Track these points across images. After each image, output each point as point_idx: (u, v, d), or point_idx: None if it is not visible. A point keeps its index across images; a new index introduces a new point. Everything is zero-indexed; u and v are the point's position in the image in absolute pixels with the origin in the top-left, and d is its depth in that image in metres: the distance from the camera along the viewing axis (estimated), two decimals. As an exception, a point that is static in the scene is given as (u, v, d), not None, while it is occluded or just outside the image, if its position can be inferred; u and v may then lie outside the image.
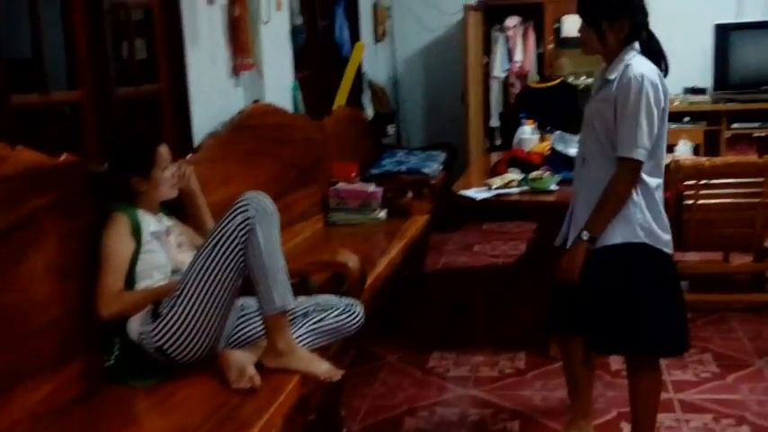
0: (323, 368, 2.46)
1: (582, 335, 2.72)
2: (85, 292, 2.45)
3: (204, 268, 2.41)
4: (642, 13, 2.51)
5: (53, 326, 2.32)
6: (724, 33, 6.33)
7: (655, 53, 2.51)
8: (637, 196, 2.50)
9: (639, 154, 2.43)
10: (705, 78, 6.31)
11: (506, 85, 6.77)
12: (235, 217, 2.41)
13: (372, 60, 6.77)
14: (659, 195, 2.56)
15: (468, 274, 5.32)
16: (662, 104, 2.47)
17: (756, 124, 6.27)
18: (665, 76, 2.50)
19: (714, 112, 6.28)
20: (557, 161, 3.97)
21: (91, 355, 2.46)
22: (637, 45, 2.51)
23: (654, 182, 2.53)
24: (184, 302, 2.41)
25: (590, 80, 6.68)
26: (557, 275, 2.57)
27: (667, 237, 2.56)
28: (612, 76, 2.49)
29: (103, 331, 2.48)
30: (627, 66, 2.47)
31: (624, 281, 2.51)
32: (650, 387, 2.65)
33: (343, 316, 2.69)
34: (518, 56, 6.68)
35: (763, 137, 6.24)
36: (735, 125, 6.30)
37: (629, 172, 2.46)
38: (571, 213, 2.66)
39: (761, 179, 3.90)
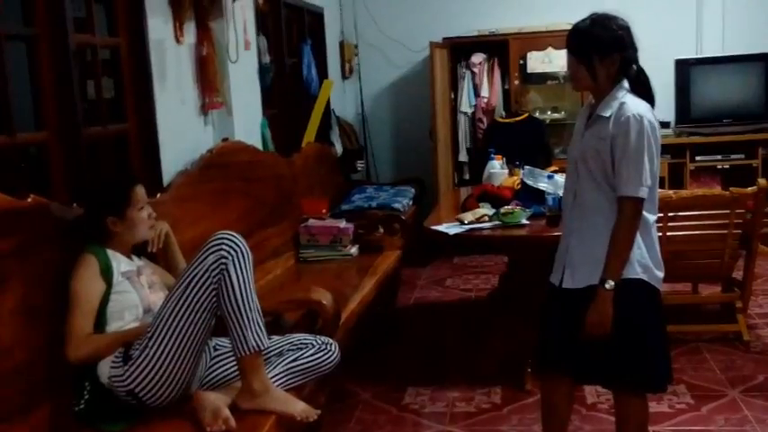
0: (299, 408, 2.43)
1: (572, 371, 2.68)
2: (53, 336, 2.39)
3: (176, 309, 2.37)
4: (632, 47, 2.51)
5: (19, 371, 2.27)
6: (684, 69, 6.44)
7: (644, 87, 2.52)
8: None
9: (642, 192, 2.43)
10: (668, 112, 6.41)
11: (474, 120, 6.82)
12: (207, 257, 2.39)
13: (340, 97, 6.80)
14: (655, 232, 2.57)
15: (441, 309, 5.30)
16: (658, 142, 2.48)
17: (719, 156, 6.37)
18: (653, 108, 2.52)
19: (678, 146, 6.37)
20: (527, 195, 3.99)
21: (59, 399, 2.41)
22: (626, 83, 2.52)
23: (651, 218, 2.54)
24: (156, 344, 2.36)
25: (556, 115, 6.79)
26: (584, 331, 2.50)
27: (661, 274, 2.56)
28: (607, 114, 2.48)
29: (73, 375, 2.42)
30: (622, 104, 2.46)
31: (622, 317, 2.48)
32: (639, 421, 2.63)
33: (319, 354, 2.66)
34: (484, 91, 6.75)
35: (727, 169, 6.34)
36: (698, 158, 6.40)
37: (633, 210, 2.45)
38: (565, 251, 2.63)
39: (727, 211, 3.96)
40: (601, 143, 2.49)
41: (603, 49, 2.48)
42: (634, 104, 2.46)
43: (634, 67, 2.54)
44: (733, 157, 6.34)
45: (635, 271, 2.50)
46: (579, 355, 2.60)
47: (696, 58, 6.57)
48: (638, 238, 2.50)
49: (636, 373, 2.56)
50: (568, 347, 2.62)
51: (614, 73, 2.50)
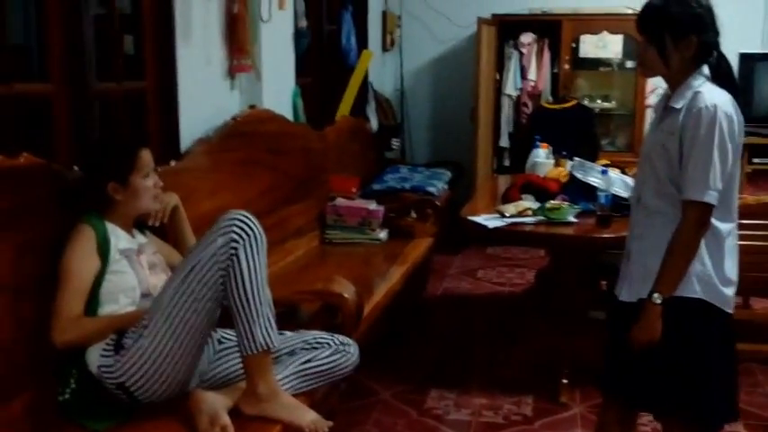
0: (308, 419, 2.13)
1: (621, 394, 2.36)
2: (40, 315, 2.12)
3: (177, 295, 2.08)
4: (713, 30, 2.17)
5: (-1, 353, 2.00)
6: (749, 63, 6.03)
7: (726, 78, 2.18)
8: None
9: (710, 197, 2.10)
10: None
11: (518, 104, 6.46)
12: (216, 239, 2.09)
13: (379, 70, 6.47)
14: (731, 243, 2.22)
15: (471, 303, 4.98)
16: (736, 139, 2.13)
17: (779, 159, 5.97)
18: (739, 104, 2.17)
19: (735, 145, 5.95)
20: (576, 190, 3.63)
21: (43, 387, 2.14)
22: (706, 70, 2.18)
23: (725, 228, 2.20)
24: (152, 334, 2.08)
25: (606, 104, 6.41)
26: (631, 346, 2.20)
27: (729, 293, 2.21)
28: (679, 105, 2.15)
29: (60, 360, 2.15)
30: (696, 93, 2.13)
31: (675, 340, 2.17)
32: None
33: (335, 356, 2.36)
34: (532, 74, 6.37)
35: (787, 173, 5.93)
36: (756, 160, 5.99)
37: (698, 218, 2.12)
38: (627, 259, 2.32)
39: (799, 221, 3.59)
40: (669, 138, 2.15)
41: (678, 29, 2.14)
42: (710, 94, 2.11)
43: (714, 53, 2.19)
44: (795, 161, 5.93)
45: (692, 289, 2.16)
46: (628, 377, 2.28)
47: (762, 53, 6.14)
48: (703, 251, 2.16)
49: (685, 404, 2.23)
50: (619, 367, 2.30)
51: (690, 59, 2.16)
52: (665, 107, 2.23)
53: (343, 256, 4.03)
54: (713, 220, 2.15)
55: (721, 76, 2.19)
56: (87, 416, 2.12)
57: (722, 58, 2.21)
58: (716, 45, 2.20)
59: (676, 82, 2.20)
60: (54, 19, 2.52)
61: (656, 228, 2.21)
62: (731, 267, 2.23)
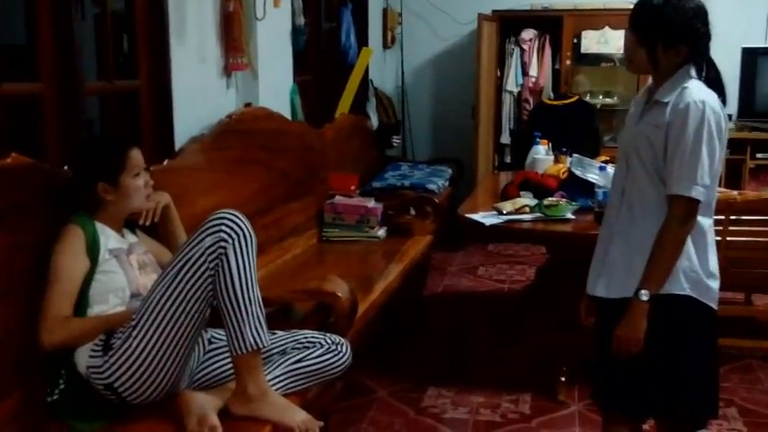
0: (298, 418, 2.12)
1: (602, 396, 2.34)
2: (29, 316, 2.11)
3: (166, 295, 2.07)
4: (705, 38, 2.15)
5: (-13, 354, 2.00)
6: (752, 58, 5.98)
7: (714, 84, 2.16)
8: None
9: (698, 192, 2.08)
10: (730, 105, 5.92)
11: (519, 100, 6.43)
12: (204, 238, 2.08)
13: (379, 67, 6.45)
14: (711, 238, 2.20)
15: (471, 300, 4.97)
16: (723, 136, 2.12)
17: (782, 155, 5.93)
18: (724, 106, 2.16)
19: (738, 141, 5.91)
20: (574, 187, 3.60)
21: (31, 388, 2.12)
22: (693, 71, 2.16)
23: (706, 222, 2.18)
24: (141, 334, 2.07)
25: (608, 100, 6.38)
26: (614, 348, 2.17)
27: (715, 288, 2.19)
28: (666, 99, 2.13)
29: (49, 361, 2.14)
30: (684, 89, 2.12)
31: (663, 338, 2.14)
32: None
33: (327, 356, 2.34)
34: (533, 70, 6.34)
35: (790, 168, 5.89)
36: (759, 155, 5.96)
37: (685, 213, 2.10)
38: (604, 256, 2.28)
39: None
40: (655, 132, 2.13)
41: (670, 37, 2.12)
42: (698, 90, 2.10)
43: (703, 61, 2.17)
44: (798, 156, 5.89)
45: (680, 286, 2.14)
46: (608, 378, 2.26)
47: (765, 47, 6.09)
48: (689, 246, 2.14)
49: (675, 402, 2.20)
50: (606, 375, 2.29)
51: (678, 64, 2.15)
52: (648, 100, 2.21)
53: (341, 254, 4.01)
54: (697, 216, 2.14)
55: (710, 81, 2.17)
56: (76, 416, 2.10)
57: (711, 66, 2.20)
58: (706, 53, 2.18)
59: (663, 78, 2.18)
60: (44, 19, 2.50)
61: (643, 223, 2.17)
62: (714, 262, 2.21)
